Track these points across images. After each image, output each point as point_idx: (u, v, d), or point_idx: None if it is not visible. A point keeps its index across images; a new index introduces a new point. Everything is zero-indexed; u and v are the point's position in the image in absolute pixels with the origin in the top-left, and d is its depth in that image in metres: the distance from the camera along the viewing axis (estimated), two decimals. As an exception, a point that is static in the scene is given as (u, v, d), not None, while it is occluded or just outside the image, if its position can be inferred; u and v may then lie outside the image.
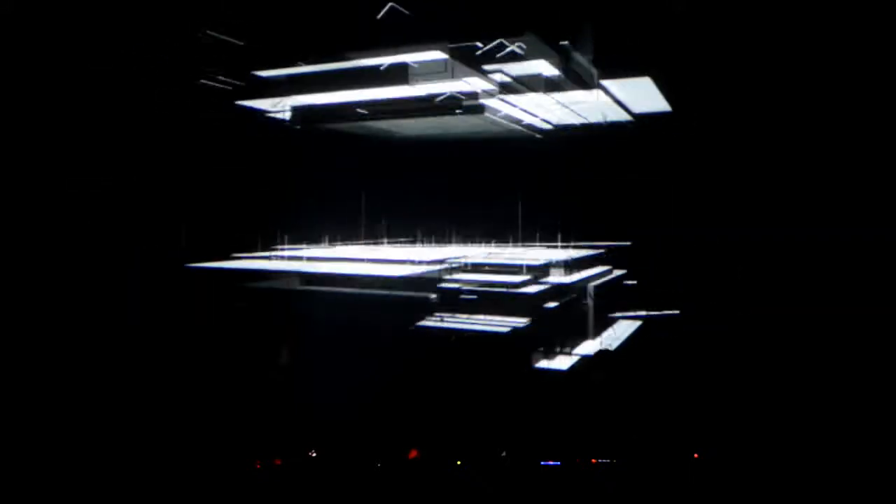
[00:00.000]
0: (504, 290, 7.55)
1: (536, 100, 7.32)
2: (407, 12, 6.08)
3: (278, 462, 4.55)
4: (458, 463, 4.66)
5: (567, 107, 7.55)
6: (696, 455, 4.72)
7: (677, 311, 7.39)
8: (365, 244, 9.82)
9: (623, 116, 7.95)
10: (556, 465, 4.66)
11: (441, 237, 10.08)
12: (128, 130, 6.86)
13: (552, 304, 7.60)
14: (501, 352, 6.71)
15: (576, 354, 7.26)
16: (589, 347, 7.36)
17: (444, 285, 7.84)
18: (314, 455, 4.68)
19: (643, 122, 7.96)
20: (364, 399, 5.49)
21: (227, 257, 7.80)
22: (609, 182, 8.17)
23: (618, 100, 7.38)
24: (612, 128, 8.15)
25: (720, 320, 6.76)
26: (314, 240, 9.22)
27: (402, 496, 4.44)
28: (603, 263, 8.67)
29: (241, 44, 6.47)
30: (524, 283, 7.62)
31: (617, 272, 8.60)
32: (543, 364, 6.95)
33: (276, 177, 8.19)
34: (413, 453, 4.72)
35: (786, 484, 4.36)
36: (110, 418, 5.55)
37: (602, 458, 4.69)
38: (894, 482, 4.27)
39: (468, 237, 9.88)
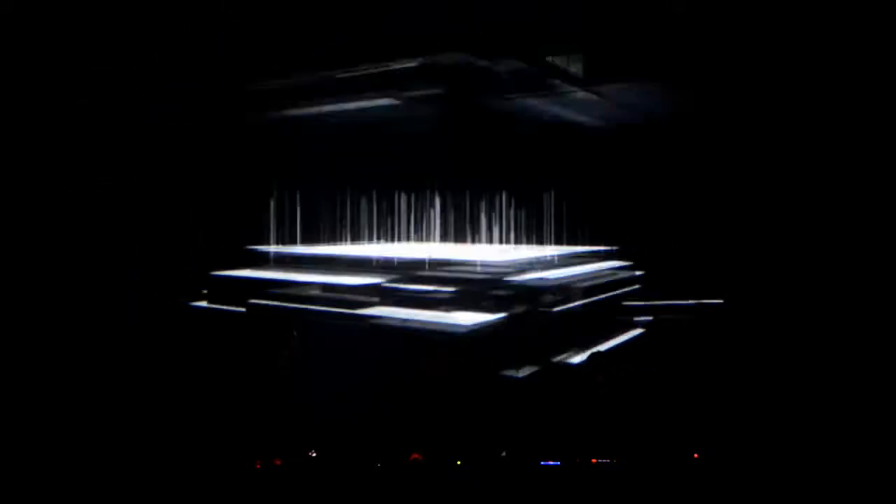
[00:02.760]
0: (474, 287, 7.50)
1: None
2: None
3: (278, 462, 4.54)
4: (458, 463, 4.66)
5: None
6: (696, 455, 4.72)
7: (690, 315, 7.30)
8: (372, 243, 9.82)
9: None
10: (556, 465, 4.65)
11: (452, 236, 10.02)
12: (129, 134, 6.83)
13: (520, 307, 7.52)
14: (459, 350, 6.50)
15: (549, 360, 7.22)
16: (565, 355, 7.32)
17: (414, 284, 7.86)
18: (314, 455, 4.67)
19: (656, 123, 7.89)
20: (362, 400, 5.49)
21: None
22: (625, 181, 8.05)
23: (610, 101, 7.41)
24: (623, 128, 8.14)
25: (720, 321, 6.74)
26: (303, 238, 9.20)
27: (402, 496, 4.44)
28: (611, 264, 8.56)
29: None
30: (493, 284, 7.53)
31: (625, 273, 8.49)
32: (505, 368, 6.81)
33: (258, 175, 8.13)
34: (414, 455, 4.71)
35: (786, 484, 4.37)
36: (111, 417, 5.54)
37: (602, 458, 4.68)
38: (894, 482, 4.29)
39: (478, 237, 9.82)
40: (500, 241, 9.57)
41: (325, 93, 7.69)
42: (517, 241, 9.43)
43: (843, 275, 6.30)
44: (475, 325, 6.87)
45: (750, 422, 5.40)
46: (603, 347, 6.83)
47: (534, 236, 9.29)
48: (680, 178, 7.61)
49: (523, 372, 6.76)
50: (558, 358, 7.14)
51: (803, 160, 6.58)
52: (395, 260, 8.25)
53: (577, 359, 6.98)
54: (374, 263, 8.36)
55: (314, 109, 8.04)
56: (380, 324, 7.18)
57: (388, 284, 7.79)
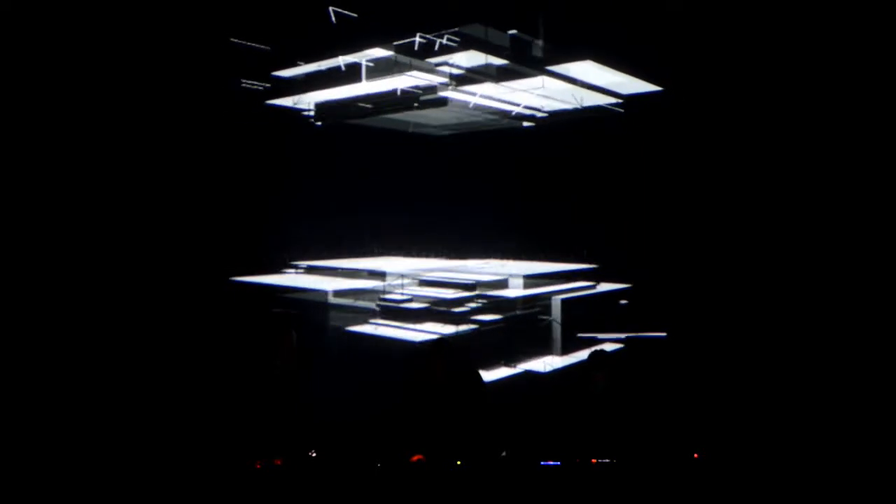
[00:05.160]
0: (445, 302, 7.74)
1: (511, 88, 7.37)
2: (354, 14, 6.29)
3: (278, 462, 4.54)
4: (459, 463, 4.66)
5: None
6: (696, 455, 4.72)
7: (663, 334, 7.25)
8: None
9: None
10: (556, 465, 4.65)
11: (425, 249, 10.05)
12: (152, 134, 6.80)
13: (493, 318, 7.63)
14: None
15: (516, 368, 7.29)
16: (534, 364, 7.39)
17: (387, 296, 8.04)
18: (314, 455, 4.67)
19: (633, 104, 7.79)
20: (363, 401, 5.49)
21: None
22: (603, 180, 7.98)
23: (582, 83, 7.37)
24: (598, 113, 8.03)
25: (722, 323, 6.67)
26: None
27: (402, 497, 4.44)
28: (589, 279, 8.56)
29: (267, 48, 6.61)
30: (467, 298, 7.74)
31: (606, 287, 8.46)
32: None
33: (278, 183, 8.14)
34: (416, 457, 4.72)
35: (787, 485, 4.36)
36: (111, 416, 5.55)
37: (602, 458, 4.69)
38: (894, 483, 4.28)
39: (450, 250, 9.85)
40: (493, 257, 9.68)
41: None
42: (508, 258, 9.51)
43: (836, 274, 6.26)
44: (440, 335, 7.09)
45: (750, 422, 5.40)
46: (608, 348, 6.82)
47: (527, 253, 9.31)
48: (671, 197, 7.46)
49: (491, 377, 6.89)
50: (526, 366, 7.26)
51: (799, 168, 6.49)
52: (374, 272, 8.47)
53: (546, 367, 7.13)
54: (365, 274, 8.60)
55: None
56: (352, 334, 7.43)
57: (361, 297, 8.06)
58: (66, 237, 6.27)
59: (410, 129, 9.04)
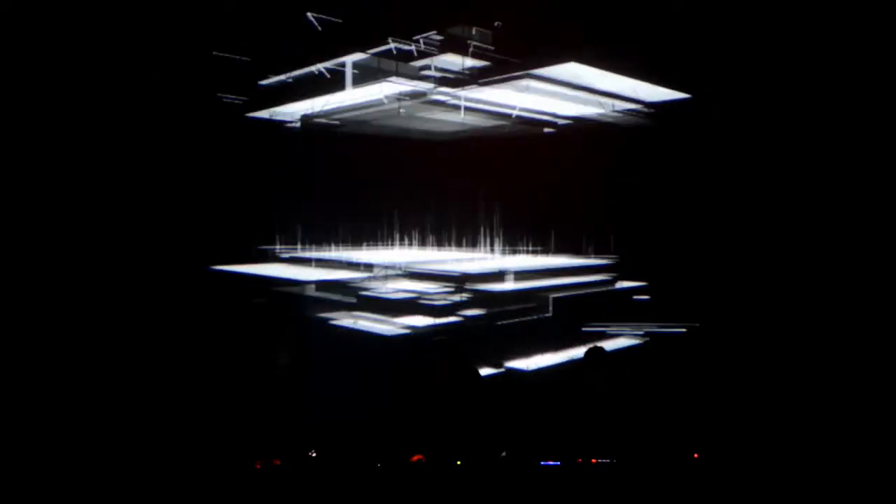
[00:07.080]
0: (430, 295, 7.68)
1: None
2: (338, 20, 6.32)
3: (278, 462, 4.53)
4: (458, 463, 4.66)
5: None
6: (696, 455, 4.74)
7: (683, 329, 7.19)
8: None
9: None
10: (556, 465, 4.66)
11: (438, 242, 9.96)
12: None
13: (478, 312, 7.60)
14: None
15: (500, 366, 7.28)
16: (519, 361, 7.38)
17: (372, 288, 7.99)
18: (314, 455, 4.66)
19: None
20: (363, 400, 5.48)
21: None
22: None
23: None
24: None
25: (725, 325, 6.66)
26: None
27: (402, 497, 4.44)
28: (600, 274, 8.47)
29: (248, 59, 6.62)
30: (452, 292, 7.67)
31: (618, 286, 8.37)
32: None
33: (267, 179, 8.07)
34: (416, 457, 4.71)
35: (787, 485, 4.39)
36: (110, 416, 5.51)
37: (602, 458, 4.70)
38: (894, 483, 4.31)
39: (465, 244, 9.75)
40: (499, 251, 9.58)
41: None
42: (517, 251, 9.40)
43: (839, 274, 6.27)
44: (418, 328, 7.07)
45: (751, 423, 5.42)
46: (607, 346, 6.80)
47: (536, 247, 9.18)
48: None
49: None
50: (511, 363, 7.25)
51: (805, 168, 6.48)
52: (359, 263, 8.39)
53: (530, 366, 7.12)
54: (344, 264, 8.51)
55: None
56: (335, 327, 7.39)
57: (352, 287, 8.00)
58: (54, 233, 6.20)
59: (413, 135, 8.98)
